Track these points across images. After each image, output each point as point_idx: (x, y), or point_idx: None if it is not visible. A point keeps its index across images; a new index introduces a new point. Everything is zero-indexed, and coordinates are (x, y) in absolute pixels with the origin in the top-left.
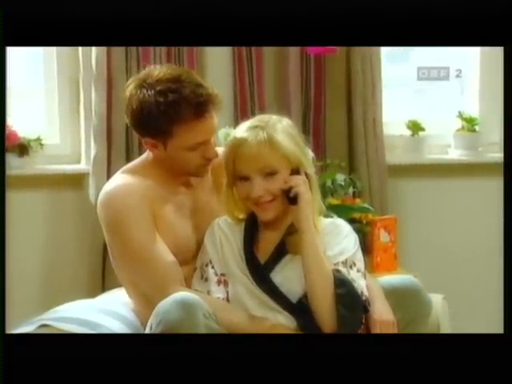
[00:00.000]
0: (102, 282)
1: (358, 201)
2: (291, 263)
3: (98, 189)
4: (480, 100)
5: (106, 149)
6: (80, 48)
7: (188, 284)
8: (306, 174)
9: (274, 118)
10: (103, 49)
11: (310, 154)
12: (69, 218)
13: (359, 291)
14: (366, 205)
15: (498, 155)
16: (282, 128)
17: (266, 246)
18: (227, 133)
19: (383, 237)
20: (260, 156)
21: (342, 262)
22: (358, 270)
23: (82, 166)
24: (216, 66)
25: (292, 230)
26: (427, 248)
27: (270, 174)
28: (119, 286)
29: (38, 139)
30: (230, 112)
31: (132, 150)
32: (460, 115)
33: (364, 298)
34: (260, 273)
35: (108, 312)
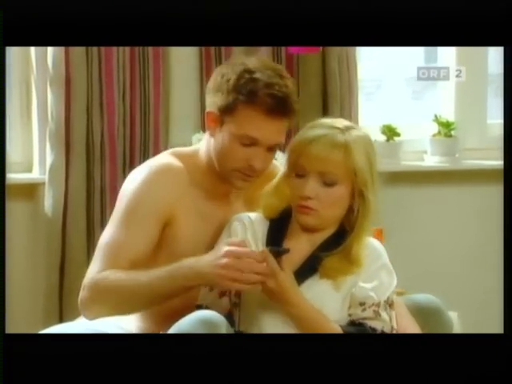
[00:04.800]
0: (60, 303)
1: None
2: (321, 285)
3: (55, 200)
4: (456, 103)
5: (64, 156)
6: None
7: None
8: (363, 197)
9: (355, 126)
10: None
11: None
12: (20, 233)
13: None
14: None
15: (475, 162)
16: (360, 140)
17: (293, 257)
18: (200, 138)
19: None
20: (328, 158)
21: (384, 302)
22: (391, 305)
23: (35, 174)
24: (182, 65)
25: (331, 250)
26: (403, 257)
27: (329, 182)
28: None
29: None
30: (196, 114)
31: (93, 156)
32: (436, 119)
33: None
34: None
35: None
